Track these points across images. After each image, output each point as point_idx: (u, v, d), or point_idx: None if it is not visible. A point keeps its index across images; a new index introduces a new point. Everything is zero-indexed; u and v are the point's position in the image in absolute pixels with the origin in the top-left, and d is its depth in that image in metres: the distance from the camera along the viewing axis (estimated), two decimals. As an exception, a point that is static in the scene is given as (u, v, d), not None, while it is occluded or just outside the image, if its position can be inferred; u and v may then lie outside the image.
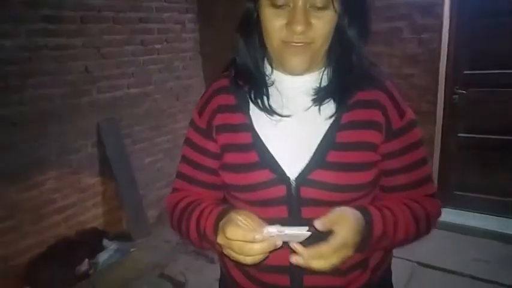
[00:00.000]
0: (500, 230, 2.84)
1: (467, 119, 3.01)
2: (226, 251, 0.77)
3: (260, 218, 0.78)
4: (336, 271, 0.79)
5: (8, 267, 2.64)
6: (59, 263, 2.71)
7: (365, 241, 0.78)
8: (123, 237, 3.13)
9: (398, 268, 1.15)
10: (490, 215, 3.01)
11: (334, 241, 0.72)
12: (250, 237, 0.71)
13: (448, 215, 3.05)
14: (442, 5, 2.76)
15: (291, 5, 0.76)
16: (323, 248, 0.72)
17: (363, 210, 0.80)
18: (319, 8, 0.76)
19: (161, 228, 3.38)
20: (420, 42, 2.86)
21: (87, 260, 2.81)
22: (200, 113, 0.94)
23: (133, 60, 3.25)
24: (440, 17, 2.79)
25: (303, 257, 0.73)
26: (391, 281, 1.05)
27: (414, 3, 2.81)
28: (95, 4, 2.94)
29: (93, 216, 3.13)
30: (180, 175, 1.00)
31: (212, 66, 3.85)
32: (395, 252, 1.01)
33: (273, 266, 0.87)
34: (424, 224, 0.89)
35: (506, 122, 2.87)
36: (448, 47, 2.92)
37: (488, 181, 3.01)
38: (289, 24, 0.77)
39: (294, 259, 0.74)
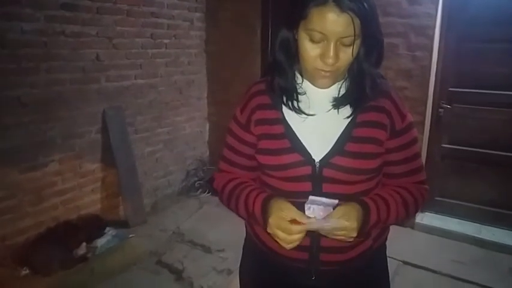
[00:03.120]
0: (475, 235, 3.05)
1: (450, 131, 3.21)
2: (273, 231, 0.99)
3: (289, 191, 1.07)
4: None
5: (5, 247, 2.64)
6: (56, 245, 2.69)
7: (364, 225, 1.02)
8: (120, 223, 3.17)
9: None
10: (467, 220, 3.22)
11: (338, 212, 0.98)
12: (292, 229, 0.96)
13: (430, 219, 3.28)
14: (433, 28, 2.95)
15: (325, 41, 0.94)
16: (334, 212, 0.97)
17: (363, 204, 1.03)
18: (346, 45, 0.95)
19: (156, 217, 3.44)
20: (413, 59, 3.04)
21: (84, 243, 2.82)
22: (242, 111, 1.16)
23: (142, 53, 3.31)
24: (431, 38, 2.97)
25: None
26: (385, 251, 1.28)
27: (410, 23, 2.99)
28: (112, -4, 3.01)
29: (91, 201, 3.16)
30: (224, 158, 1.23)
31: (215, 63, 3.96)
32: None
33: None
34: (413, 208, 1.12)
35: (485, 137, 3.07)
36: (437, 65, 3.12)
37: (466, 189, 3.21)
38: (323, 57, 0.96)
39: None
